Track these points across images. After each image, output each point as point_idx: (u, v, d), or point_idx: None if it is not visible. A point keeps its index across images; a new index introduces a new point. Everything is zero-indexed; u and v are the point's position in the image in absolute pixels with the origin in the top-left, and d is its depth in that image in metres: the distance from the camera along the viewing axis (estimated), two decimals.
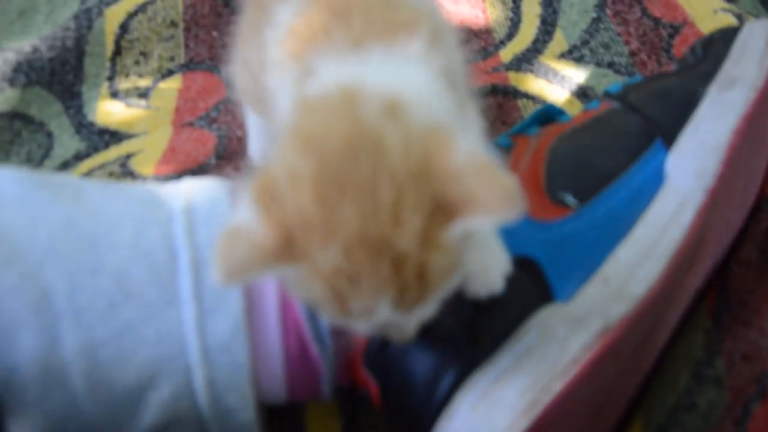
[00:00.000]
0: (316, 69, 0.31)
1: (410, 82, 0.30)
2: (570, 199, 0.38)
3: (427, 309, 0.29)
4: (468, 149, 0.27)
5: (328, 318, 0.29)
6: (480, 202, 0.26)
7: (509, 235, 0.34)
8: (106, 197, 0.39)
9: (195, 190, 0.39)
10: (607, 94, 0.45)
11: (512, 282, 0.34)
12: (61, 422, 0.35)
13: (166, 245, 0.37)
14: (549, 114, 0.46)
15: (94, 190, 0.39)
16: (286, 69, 0.34)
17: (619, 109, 0.43)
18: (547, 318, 0.34)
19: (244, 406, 0.37)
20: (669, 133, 0.41)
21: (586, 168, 0.39)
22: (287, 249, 0.27)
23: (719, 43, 0.47)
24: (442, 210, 0.27)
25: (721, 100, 0.41)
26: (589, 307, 0.34)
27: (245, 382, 0.36)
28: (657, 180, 0.39)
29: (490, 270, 0.34)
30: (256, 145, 0.52)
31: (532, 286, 0.35)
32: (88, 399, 0.35)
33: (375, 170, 0.26)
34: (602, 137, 0.41)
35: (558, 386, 0.31)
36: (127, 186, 0.42)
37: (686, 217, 0.37)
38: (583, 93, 0.58)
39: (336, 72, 0.30)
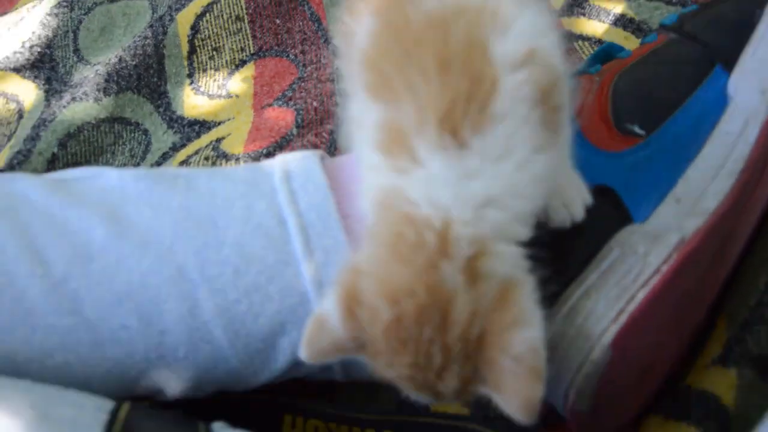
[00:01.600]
0: (420, 160, 0.31)
1: (506, 204, 0.31)
2: (637, 129, 0.41)
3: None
4: (523, 350, 0.30)
5: None
6: (505, 399, 0.30)
7: (586, 167, 0.38)
8: (213, 182, 0.43)
9: (288, 162, 0.43)
10: (663, 26, 0.47)
11: (592, 210, 0.37)
12: (210, 370, 0.41)
13: (274, 215, 0.41)
14: (609, 52, 0.48)
15: (202, 177, 0.44)
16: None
17: (677, 39, 0.45)
18: (627, 238, 0.37)
19: None
20: (728, 57, 0.42)
21: (650, 99, 0.42)
22: (361, 350, 0.33)
23: None
24: (478, 375, 0.31)
25: None
26: (665, 224, 0.37)
27: None
28: (720, 103, 0.41)
29: (571, 202, 0.37)
30: None
31: (610, 212, 0.38)
32: (230, 348, 0.40)
33: (435, 342, 0.30)
34: (662, 68, 0.43)
35: (642, 295, 0.34)
36: (229, 169, 0.47)
37: (753, 132, 0.39)
38: (637, 28, 0.59)
39: (434, 182, 0.31)
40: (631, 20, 0.61)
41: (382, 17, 0.34)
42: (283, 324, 0.41)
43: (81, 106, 0.67)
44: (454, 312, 0.30)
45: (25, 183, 0.43)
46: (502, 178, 0.31)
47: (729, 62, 0.42)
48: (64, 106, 0.67)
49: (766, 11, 0.44)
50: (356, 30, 0.36)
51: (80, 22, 0.76)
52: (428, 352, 0.31)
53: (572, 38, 0.61)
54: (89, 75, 0.69)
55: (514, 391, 0.30)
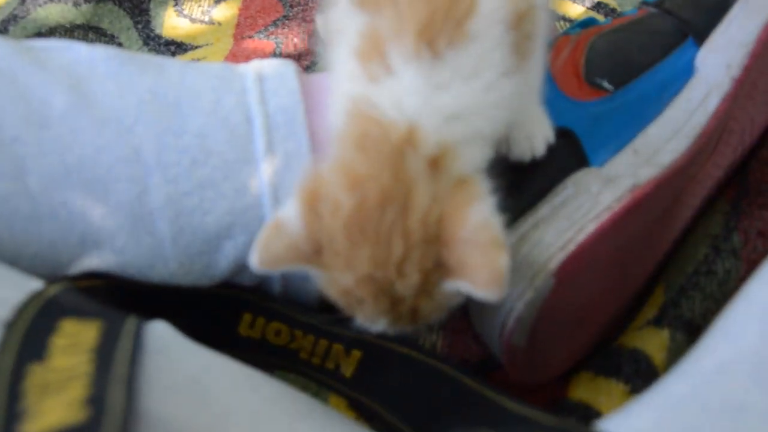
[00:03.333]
0: (393, 68, 0.32)
1: (470, 121, 0.32)
2: (606, 84, 0.42)
3: (421, 326, 0.34)
4: (480, 220, 0.30)
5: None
6: (470, 276, 0.30)
7: (552, 110, 0.39)
8: (186, 71, 0.43)
9: (264, 66, 0.43)
10: (645, 3, 0.49)
11: (552, 148, 0.38)
12: (145, 271, 0.40)
13: (242, 112, 0.41)
14: (590, 23, 0.50)
15: (175, 65, 0.43)
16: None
17: (656, 13, 0.47)
18: (582, 177, 0.38)
19: None
20: (701, 33, 0.44)
21: (622, 59, 0.43)
22: (316, 256, 0.32)
23: None
24: (440, 268, 0.31)
25: (753, 1, 0.44)
26: (620, 170, 0.38)
27: None
28: (687, 72, 0.43)
29: (534, 137, 0.38)
30: None
31: (569, 153, 0.39)
32: (171, 245, 0.39)
33: (395, 227, 0.30)
34: (638, 35, 0.45)
35: (591, 227, 0.35)
36: (204, 63, 0.46)
37: (712, 103, 0.41)
38: (618, 15, 0.61)
39: (403, 90, 0.31)
40: (613, 10, 0.63)
41: None
42: (231, 226, 0.40)
43: (58, 7, 0.65)
44: (416, 195, 0.30)
45: None
46: (470, 96, 0.32)
47: (701, 37, 0.44)
48: (40, 5, 0.65)
49: None
50: None
51: None
52: (389, 241, 0.30)
53: (555, 18, 0.62)
54: None
55: (478, 266, 0.30)
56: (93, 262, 0.40)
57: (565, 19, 0.63)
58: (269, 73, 0.42)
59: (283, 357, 0.43)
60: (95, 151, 0.39)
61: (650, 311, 0.42)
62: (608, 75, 0.42)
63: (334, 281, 0.33)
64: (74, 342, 0.29)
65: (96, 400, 0.26)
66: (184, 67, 0.43)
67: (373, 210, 0.31)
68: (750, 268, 0.41)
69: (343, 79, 0.34)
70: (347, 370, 0.42)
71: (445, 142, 0.31)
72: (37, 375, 0.27)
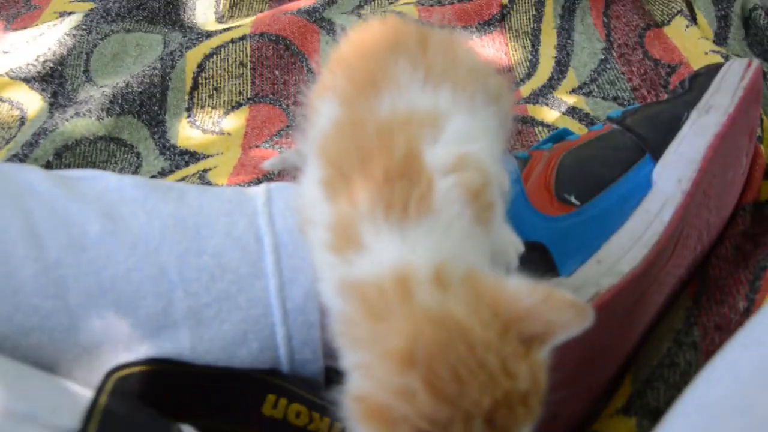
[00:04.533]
0: (368, 246, 0.33)
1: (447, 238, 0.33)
2: (573, 199, 0.47)
3: None
4: (518, 285, 0.32)
5: None
6: (560, 327, 0.31)
7: (524, 226, 0.44)
8: (203, 197, 0.49)
9: (272, 189, 0.49)
10: (609, 119, 0.55)
11: (524, 260, 0.43)
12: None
13: (253, 232, 0.46)
14: (562, 135, 0.56)
15: (194, 191, 0.49)
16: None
17: (618, 130, 0.53)
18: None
19: (314, 358, 0.46)
20: (657, 149, 0.50)
21: (588, 175, 0.49)
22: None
23: (704, 77, 0.56)
24: (531, 344, 0.31)
25: (700, 122, 0.50)
26: (585, 280, 0.43)
27: (316, 337, 0.46)
28: (646, 185, 0.48)
29: (506, 250, 0.43)
30: None
31: (540, 265, 0.44)
32: (190, 353, 0.44)
33: (470, 348, 0.29)
34: (602, 150, 0.51)
35: None
36: (218, 188, 0.52)
37: (667, 213, 0.46)
38: (591, 122, 0.68)
39: (380, 253, 0.32)
40: (587, 114, 0.69)
41: (346, 108, 0.38)
42: (245, 333, 0.45)
43: (83, 121, 0.72)
44: (455, 314, 0.30)
45: (33, 174, 0.48)
46: (447, 247, 0.34)
47: (657, 154, 0.50)
48: (67, 120, 0.72)
49: (691, 115, 0.52)
50: (321, 110, 0.39)
51: (95, 45, 0.82)
52: (479, 361, 0.29)
53: (534, 123, 0.69)
54: (95, 95, 0.75)
55: (559, 311, 0.31)
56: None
57: (542, 124, 0.69)
58: (276, 196, 0.48)
59: None
60: (126, 271, 0.44)
61: (619, 400, 0.47)
62: (575, 190, 0.48)
63: None
64: None
65: None
66: (202, 192, 0.49)
67: (441, 356, 0.30)
68: (707, 359, 0.45)
69: (325, 268, 0.36)
70: None
71: (436, 262, 0.33)
72: None
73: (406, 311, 0.31)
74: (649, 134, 0.51)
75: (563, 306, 0.31)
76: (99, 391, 0.38)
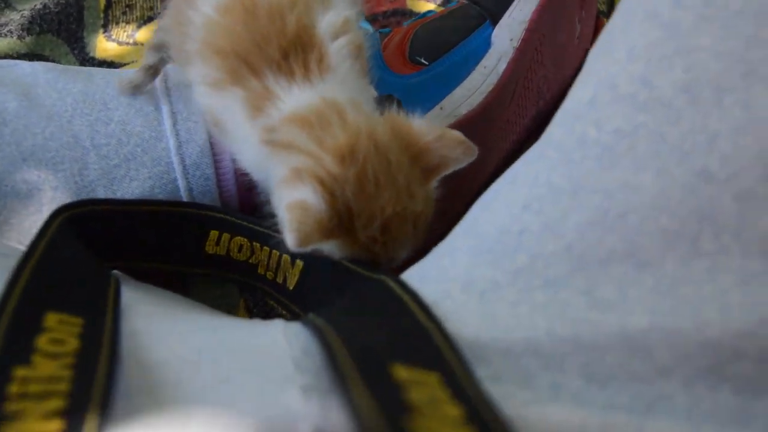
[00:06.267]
0: (281, 97, 0.39)
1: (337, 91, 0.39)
2: (423, 60, 0.56)
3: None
4: (421, 124, 0.38)
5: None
6: (451, 160, 0.37)
7: (383, 83, 0.53)
8: (108, 77, 0.57)
9: (169, 69, 0.57)
10: None
11: (378, 108, 0.52)
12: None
13: (152, 103, 0.55)
14: (427, 15, 0.64)
15: (101, 73, 0.57)
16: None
17: (467, 4, 0.61)
18: None
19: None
20: (496, 16, 0.59)
21: (436, 40, 0.57)
22: (339, 230, 0.36)
23: None
24: (429, 174, 0.37)
25: None
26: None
27: (213, 189, 0.54)
28: (485, 46, 0.57)
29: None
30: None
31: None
32: None
33: (389, 164, 0.35)
34: (451, 21, 0.59)
35: None
36: (123, 70, 0.60)
37: (501, 67, 0.56)
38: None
39: (304, 95, 0.38)
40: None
41: None
42: (152, 188, 0.53)
43: (5, 41, 0.78)
44: (379, 135, 0.37)
45: None
46: (349, 94, 0.40)
47: (495, 19, 0.59)
48: None
49: None
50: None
51: None
52: (395, 179, 0.35)
53: (412, 15, 0.77)
54: (15, 17, 0.81)
55: (451, 149, 0.37)
56: None
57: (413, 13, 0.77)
58: (171, 73, 0.56)
59: (244, 273, 0.48)
60: (44, 140, 0.52)
61: None
62: (425, 53, 0.57)
63: (356, 242, 0.36)
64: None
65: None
66: (107, 74, 0.57)
67: (372, 164, 0.35)
68: None
69: (249, 135, 0.41)
70: (291, 281, 0.45)
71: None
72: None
73: (343, 124, 0.36)
74: (490, 4, 0.60)
75: (454, 143, 0.37)
76: (42, 230, 0.39)
